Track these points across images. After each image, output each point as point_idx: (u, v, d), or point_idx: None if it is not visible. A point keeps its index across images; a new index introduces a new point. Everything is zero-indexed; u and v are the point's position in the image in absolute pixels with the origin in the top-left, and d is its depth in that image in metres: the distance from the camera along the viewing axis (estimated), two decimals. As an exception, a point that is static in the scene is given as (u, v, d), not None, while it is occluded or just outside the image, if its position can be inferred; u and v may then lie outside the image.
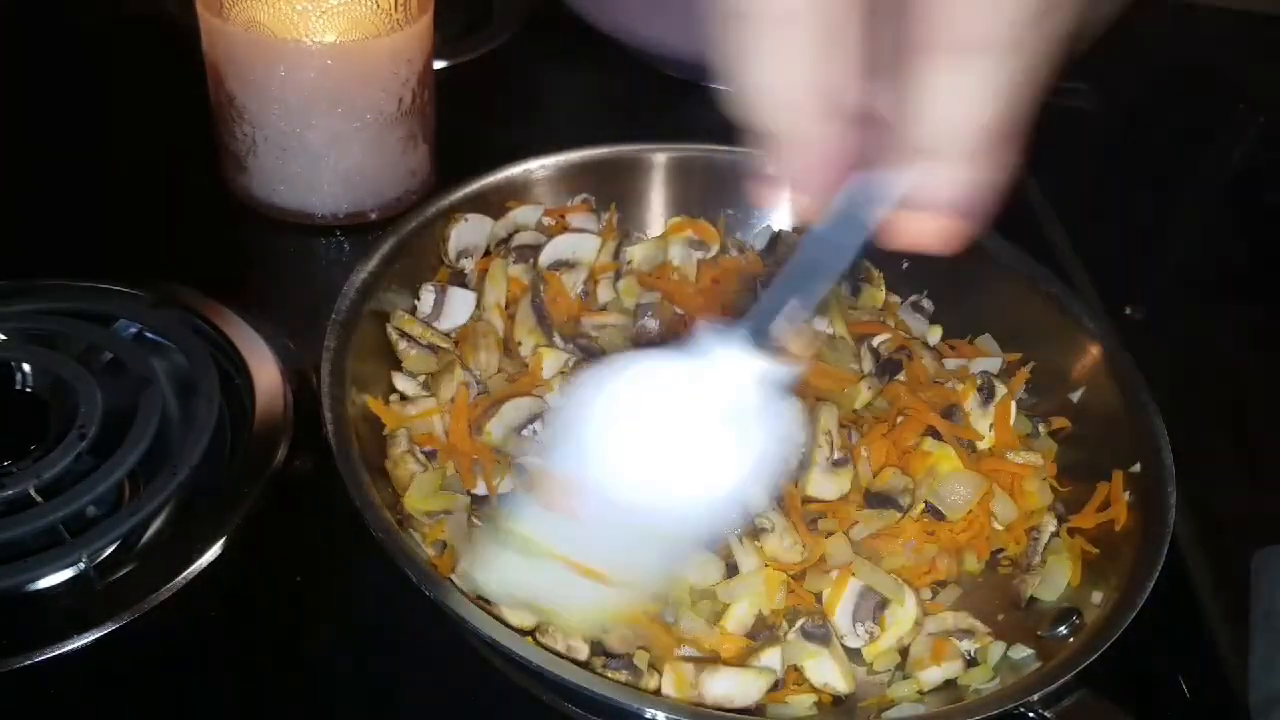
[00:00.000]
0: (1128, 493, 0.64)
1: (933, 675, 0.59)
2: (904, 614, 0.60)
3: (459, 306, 0.72)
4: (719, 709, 0.55)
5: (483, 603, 0.57)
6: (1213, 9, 1.36)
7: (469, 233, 0.75)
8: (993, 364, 0.75)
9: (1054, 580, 0.62)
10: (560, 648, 0.56)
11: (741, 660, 0.57)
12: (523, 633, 0.55)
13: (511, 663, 0.54)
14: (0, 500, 0.60)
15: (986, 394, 0.70)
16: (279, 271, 0.86)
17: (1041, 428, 0.70)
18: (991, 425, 0.70)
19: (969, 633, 0.60)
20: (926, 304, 0.80)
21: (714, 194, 0.83)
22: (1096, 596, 0.59)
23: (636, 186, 0.82)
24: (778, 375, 0.41)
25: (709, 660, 0.57)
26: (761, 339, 0.41)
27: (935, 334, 0.79)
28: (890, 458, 0.66)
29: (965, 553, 0.65)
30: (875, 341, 0.73)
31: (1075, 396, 0.71)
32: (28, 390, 0.68)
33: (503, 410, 0.65)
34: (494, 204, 0.77)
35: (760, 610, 0.60)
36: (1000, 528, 0.65)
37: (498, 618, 0.56)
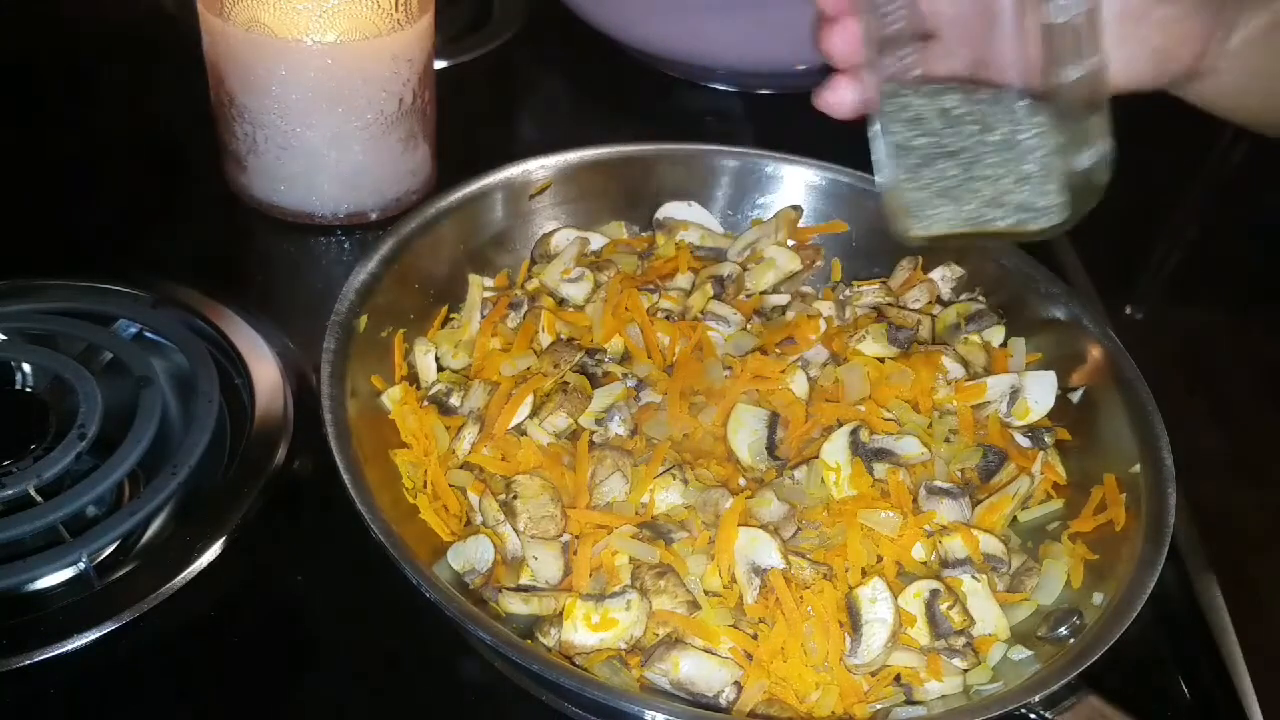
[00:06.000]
0: (1124, 494, 0.64)
1: (931, 689, 0.58)
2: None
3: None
4: (715, 706, 0.55)
5: (482, 605, 0.57)
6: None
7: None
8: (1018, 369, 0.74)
9: (1050, 583, 0.62)
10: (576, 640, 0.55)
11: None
12: (522, 635, 0.55)
13: (511, 663, 0.54)
14: (0, 500, 0.60)
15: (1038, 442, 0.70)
16: (279, 271, 0.86)
17: (1047, 437, 0.70)
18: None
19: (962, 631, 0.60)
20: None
21: (713, 193, 0.83)
22: (1097, 598, 0.59)
23: (636, 186, 0.82)
24: None
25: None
26: None
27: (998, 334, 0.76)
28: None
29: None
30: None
31: (1075, 397, 0.71)
32: (28, 390, 0.68)
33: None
34: (494, 204, 0.77)
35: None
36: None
37: (497, 618, 0.56)
